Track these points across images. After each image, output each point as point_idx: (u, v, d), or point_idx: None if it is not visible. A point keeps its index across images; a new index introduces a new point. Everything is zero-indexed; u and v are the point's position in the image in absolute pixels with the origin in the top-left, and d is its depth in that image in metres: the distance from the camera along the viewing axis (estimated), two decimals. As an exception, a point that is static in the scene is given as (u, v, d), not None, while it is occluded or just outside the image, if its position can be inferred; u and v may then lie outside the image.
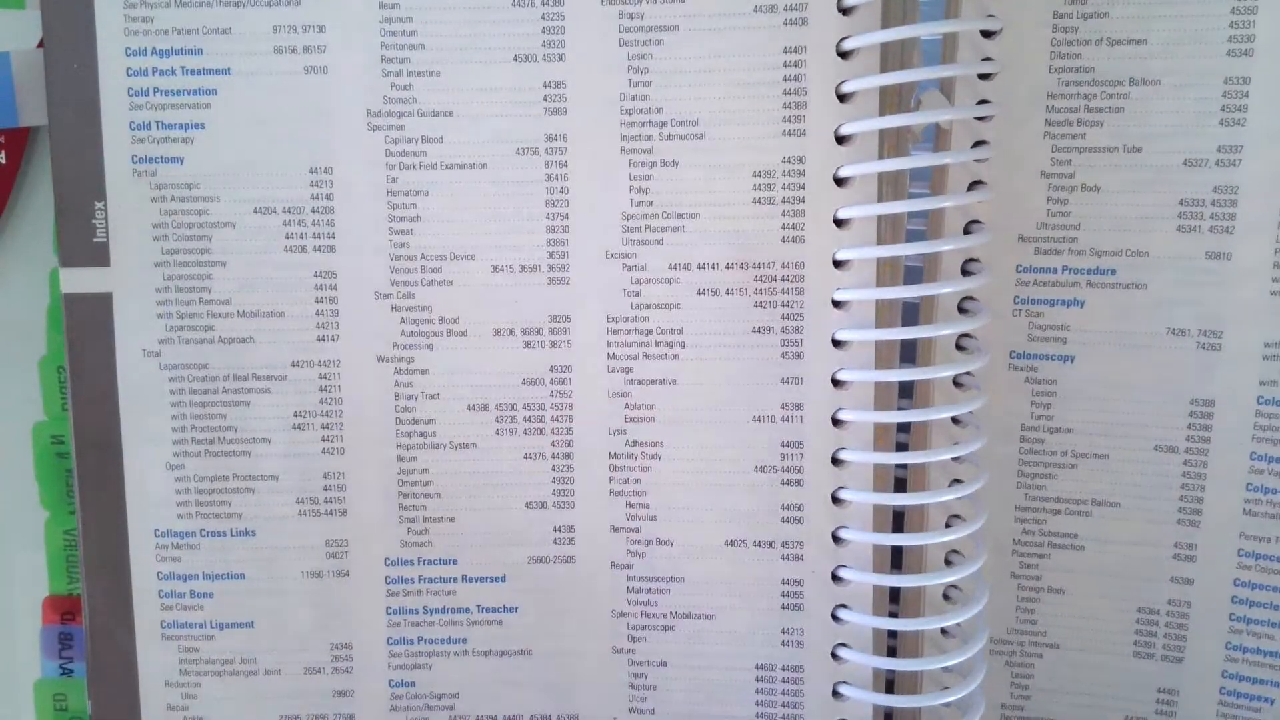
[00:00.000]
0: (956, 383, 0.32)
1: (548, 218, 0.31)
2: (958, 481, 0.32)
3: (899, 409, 0.31)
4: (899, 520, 0.32)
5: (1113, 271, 0.31)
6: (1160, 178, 0.31)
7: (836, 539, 0.31)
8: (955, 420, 0.32)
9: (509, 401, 0.32)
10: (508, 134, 0.31)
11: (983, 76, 0.31)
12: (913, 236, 0.31)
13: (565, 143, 0.31)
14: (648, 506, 0.32)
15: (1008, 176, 0.31)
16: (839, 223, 0.31)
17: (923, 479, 0.32)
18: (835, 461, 0.31)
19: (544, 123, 0.31)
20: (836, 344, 0.31)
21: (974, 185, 0.31)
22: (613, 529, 0.32)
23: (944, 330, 0.31)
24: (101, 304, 0.31)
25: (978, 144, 0.31)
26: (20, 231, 0.34)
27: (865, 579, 0.31)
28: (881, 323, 0.30)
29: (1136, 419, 0.32)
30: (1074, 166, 0.31)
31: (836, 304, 0.31)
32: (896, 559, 0.32)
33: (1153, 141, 0.31)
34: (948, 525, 0.32)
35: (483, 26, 0.31)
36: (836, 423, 0.31)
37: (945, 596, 0.32)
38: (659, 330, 0.31)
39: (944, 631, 0.32)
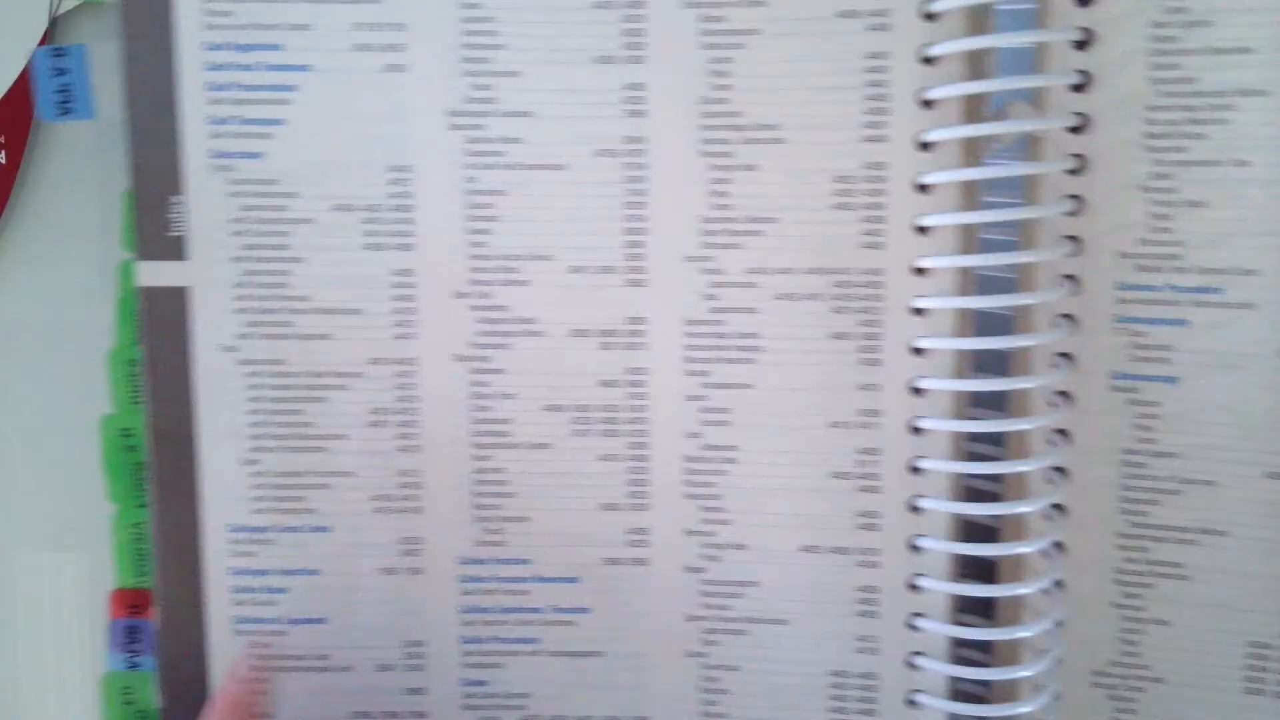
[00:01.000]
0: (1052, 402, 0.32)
1: (626, 220, 0.31)
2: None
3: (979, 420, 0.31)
4: (971, 529, 0.32)
5: (1219, 290, 0.30)
6: (1269, 192, 0.30)
7: (913, 547, 0.31)
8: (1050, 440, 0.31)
9: (585, 403, 0.32)
10: (587, 136, 0.31)
11: (1076, 88, 0.31)
12: (1005, 248, 0.31)
13: (644, 145, 0.31)
14: (722, 510, 0.32)
15: (1106, 191, 0.30)
16: (920, 230, 0.30)
17: (1016, 491, 0.31)
18: (914, 470, 0.31)
19: (623, 125, 0.31)
20: (916, 351, 0.31)
21: (1066, 198, 0.31)
22: (687, 532, 0.32)
23: (1025, 341, 0.30)
24: (178, 298, 0.31)
25: (1073, 155, 0.31)
26: (20, 231, 0.34)
27: (942, 587, 0.31)
28: (959, 331, 0.30)
29: (1244, 444, 0.31)
30: (1176, 181, 0.30)
31: (916, 311, 0.31)
32: (972, 568, 0.32)
33: (1260, 154, 0.30)
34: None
35: (564, 28, 0.30)
36: (915, 430, 0.31)
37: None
38: (736, 334, 0.31)
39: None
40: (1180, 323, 0.31)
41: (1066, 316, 0.31)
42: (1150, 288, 0.31)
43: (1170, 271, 0.31)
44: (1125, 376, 0.31)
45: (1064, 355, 0.31)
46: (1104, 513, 0.32)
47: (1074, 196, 0.31)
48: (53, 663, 0.36)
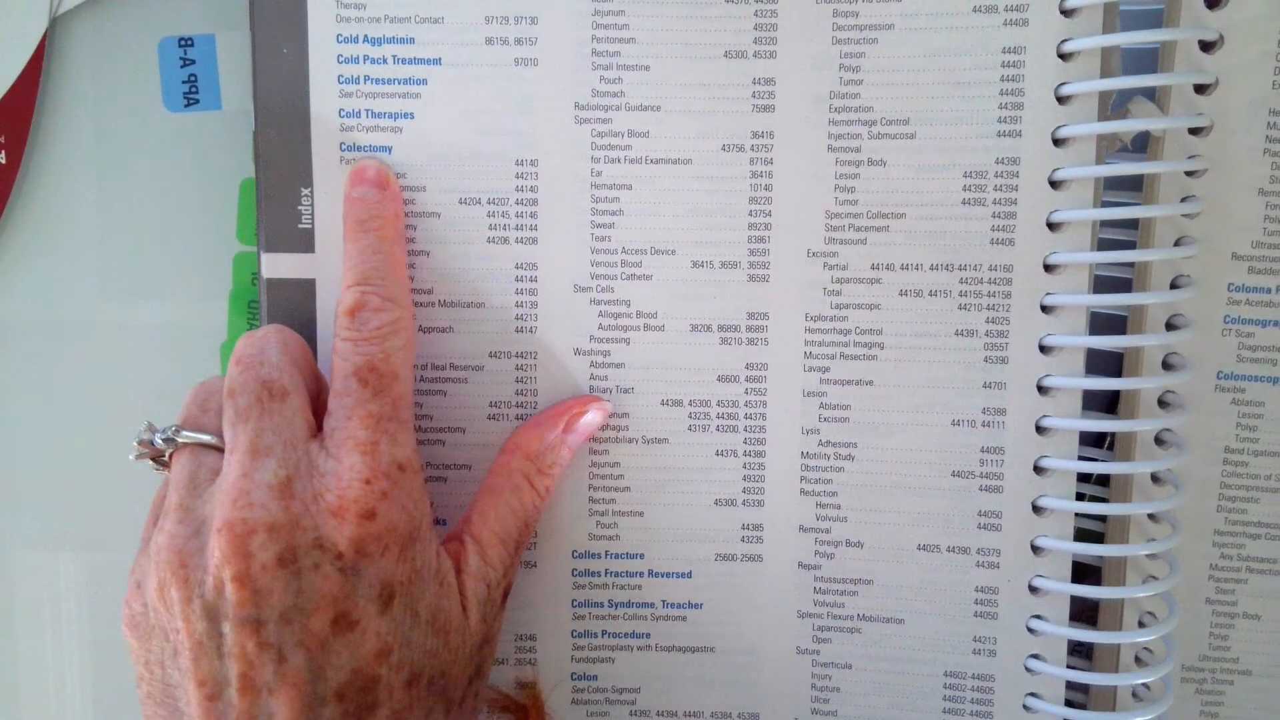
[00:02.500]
0: (1162, 402, 0.31)
1: (750, 215, 0.31)
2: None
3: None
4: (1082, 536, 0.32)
5: None
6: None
7: (1035, 548, 0.31)
8: (1158, 440, 0.31)
9: (703, 398, 0.32)
10: (714, 130, 0.31)
11: (1199, 90, 0.30)
12: (1113, 246, 0.31)
13: (771, 140, 0.31)
14: (838, 507, 0.32)
15: (1223, 193, 0.31)
16: (1051, 226, 0.30)
17: (1124, 495, 0.31)
18: (1037, 470, 0.31)
19: (751, 119, 0.31)
20: (1043, 350, 0.30)
21: (1185, 199, 0.31)
22: (802, 529, 0.32)
23: (1154, 340, 0.30)
24: (305, 289, 0.32)
25: (1191, 157, 0.30)
26: (20, 231, 0.34)
27: (1064, 589, 0.31)
28: (1089, 329, 0.30)
29: None
30: None
31: (1045, 309, 0.30)
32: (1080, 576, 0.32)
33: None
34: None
35: (694, 22, 0.30)
36: (1040, 430, 0.31)
37: (1140, 623, 0.32)
38: (858, 330, 0.31)
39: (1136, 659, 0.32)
40: None
41: (1177, 315, 0.31)
42: (1262, 289, 0.31)
43: None
44: (1231, 376, 0.31)
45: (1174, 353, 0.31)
46: (1202, 510, 0.32)
47: (1188, 197, 0.30)
48: (52, 663, 0.36)
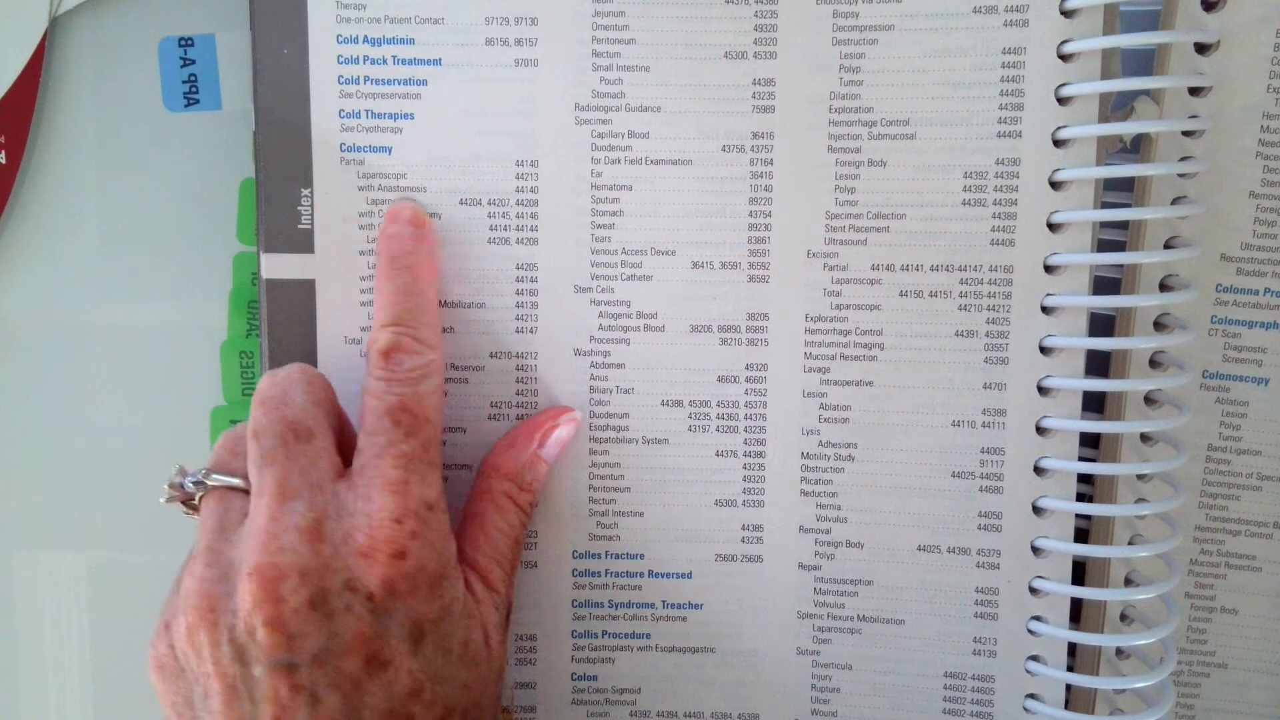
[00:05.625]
0: (1149, 399, 0.31)
1: (750, 215, 0.31)
2: (1142, 500, 0.31)
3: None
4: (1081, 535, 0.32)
5: None
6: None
7: (1035, 549, 0.31)
8: (1144, 438, 0.31)
9: (703, 398, 0.32)
10: (714, 131, 0.31)
11: (1193, 92, 0.30)
12: (1108, 246, 0.31)
13: (771, 140, 0.31)
14: (839, 508, 0.32)
15: (1214, 194, 0.31)
16: (1051, 227, 0.30)
17: (1111, 493, 0.31)
18: (1037, 470, 0.31)
19: (751, 120, 0.31)
20: (1044, 350, 0.30)
21: (1176, 200, 0.31)
22: (802, 529, 0.32)
23: (1148, 343, 0.30)
24: (304, 290, 0.32)
25: (1183, 159, 0.30)
26: (20, 231, 0.34)
27: (1064, 591, 0.31)
28: (1090, 330, 0.30)
29: None
30: None
31: (1045, 310, 0.30)
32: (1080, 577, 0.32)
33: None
34: (1129, 543, 0.31)
35: (695, 23, 0.30)
36: (1040, 431, 0.31)
37: (1123, 617, 0.32)
38: (858, 331, 0.31)
39: (1120, 653, 0.32)
40: (1277, 326, 0.31)
41: (1167, 314, 0.31)
42: (1250, 291, 0.31)
43: (1271, 276, 0.31)
44: (1216, 376, 0.32)
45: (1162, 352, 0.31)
46: (1185, 508, 0.32)
47: (1180, 198, 0.31)
48: (52, 663, 0.36)
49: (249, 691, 0.25)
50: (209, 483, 0.28)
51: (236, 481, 0.28)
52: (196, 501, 0.28)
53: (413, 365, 0.28)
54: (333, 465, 0.27)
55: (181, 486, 0.28)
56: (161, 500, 0.28)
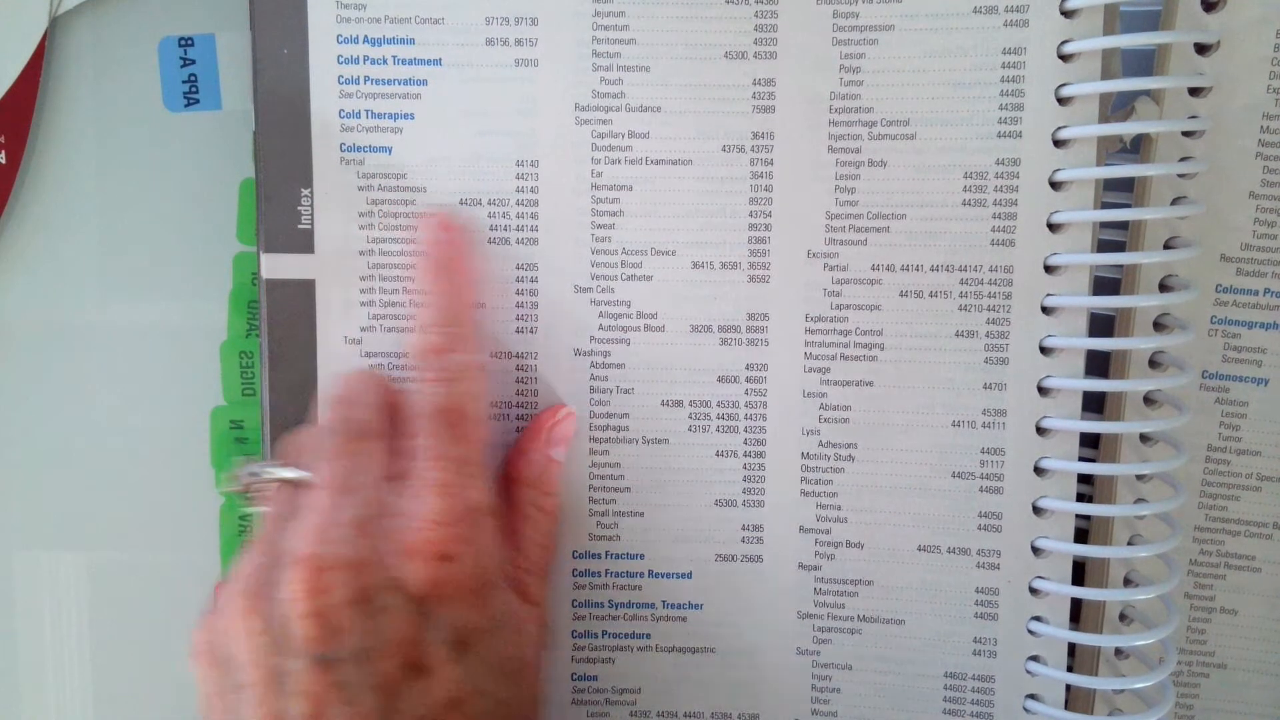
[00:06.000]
0: (1149, 400, 0.31)
1: (750, 215, 0.31)
2: (1141, 500, 0.31)
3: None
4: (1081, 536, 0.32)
5: None
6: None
7: (1035, 550, 0.31)
8: (1144, 438, 0.31)
9: (703, 398, 0.32)
10: (714, 131, 0.31)
11: (1193, 92, 0.30)
12: (1108, 246, 0.31)
13: (771, 140, 0.31)
14: (839, 508, 0.32)
15: (1214, 195, 0.31)
16: (1052, 227, 0.30)
17: (1110, 493, 0.31)
18: (1038, 471, 0.31)
19: (751, 120, 0.31)
20: (1044, 350, 0.30)
21: (1176, 200, 0.31)
22: (802, 529, 0.32)
23: (1147, 343, 0.30)
24: (304, 290, 0.31)
25: (1183, 159, 0.30)
26: (20, 231, 0.34)
27: (1064, 591, 0.31)
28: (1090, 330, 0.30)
29: None
30: None
31: (1045, 310, 0.30)
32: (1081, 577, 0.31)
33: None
34: (1130, 544, 0.31)
35: (695, 23, 0.30)
36: (1040, 431, 0.31)
37: (1122, 617, 0.32)
38: (858, 331, 0.31)
39: (1119, 653, 0.32)
40: (1276, 327, 0.31)
41: (1166, 314, 0.31)
42: (1249, 291, 0.31)
43: (1271, 277, 0.31)
44: (1216, 376, 0.32)
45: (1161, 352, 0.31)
46: (1184, 508, 0.32)
47: (1180, 198, 0.31)
48: (52, 663, 0.36)
49: (286, 684, 0.25)
50: (274, 475, 0.28)
51: (300, 475, 0.28)
52: (258, 493, 0.29)
53: (457, 367, 0.29)
54: (392, 466, 0.28)
55: (246, 477, 0.29)
56: (225, 490, 0.29)
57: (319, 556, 0.25)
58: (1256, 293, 0.31)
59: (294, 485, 0.28)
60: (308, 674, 0.25)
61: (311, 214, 0.31)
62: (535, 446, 0.31)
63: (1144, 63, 0.31)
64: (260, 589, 0.26)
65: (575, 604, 0.33)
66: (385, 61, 0.31)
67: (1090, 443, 0.31)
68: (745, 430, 0.32)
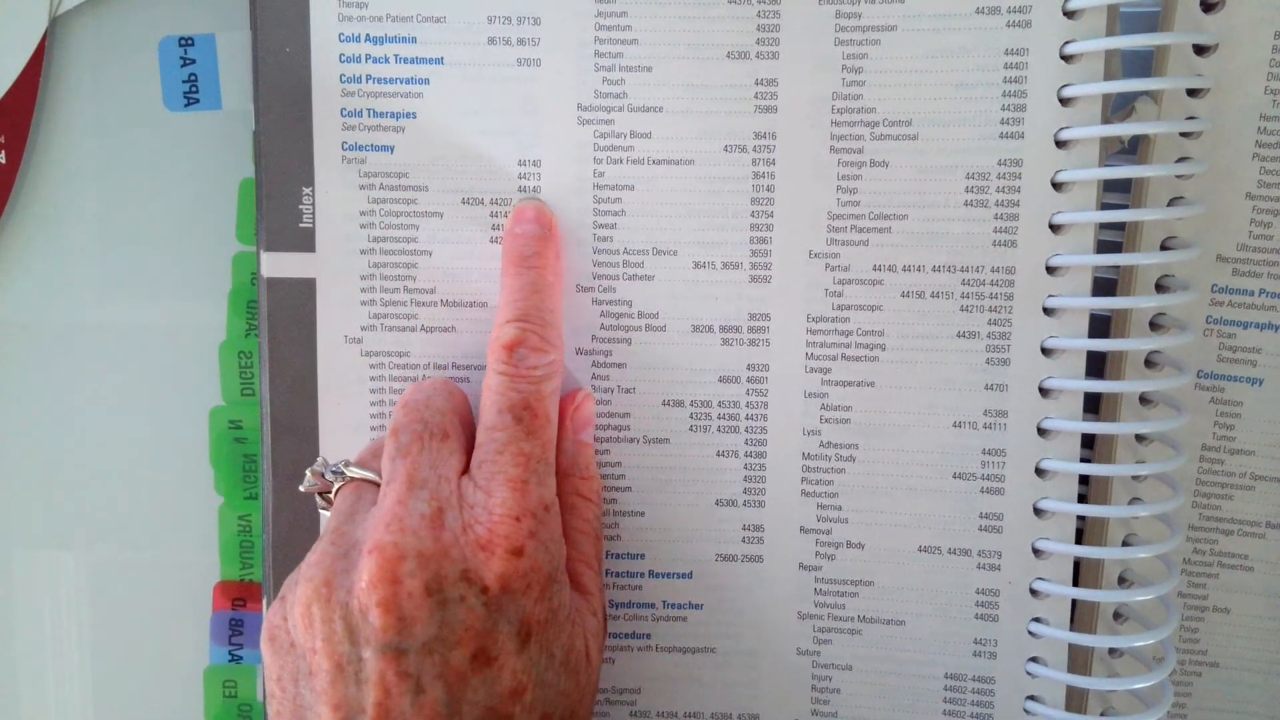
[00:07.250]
0: (1144, 399, 0.31)
1: (752, 215, 0.31)
2: (1137, 500, 0.31)
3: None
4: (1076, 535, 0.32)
5: None
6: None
7: (1036, 551, 0.31)
8: (1140, 438, 0.31)
9: (704, 398, 0.32)
10: (716, 131, 0.31)
11: (1192, 93, 0.30)
12: (1106, 246, 0.31)
13: (774, 141, 0.31)
14: (839, 509, 0.32)
15: (1211, 195, 0.31)
16: (1053, 228, 0.30)
17: (1106, 493, 0.31)
18: (1039, 472, 0.31)
19: (753, 120, 0.31)
20: (1045, 352, 0.30)
21: (1173, 201, 0.31)
22: (802, 530, 0.32)
23: (1144, 344, 0.30)
24: (305, 289, 0.31)
25: (1181, 160, 0.30)
26: (20, 232, 0.34)
27: (1064, 592, 0.31)
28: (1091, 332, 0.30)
29: None
30: None
31: (1047, 311, 0.30)
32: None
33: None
34: (1125, 543, 0.31)
35: (697, 23, 0.30)
36: (1041, 432, 0.31)
37: (1116, 616, 0.32)
38: (859, 332, 0.31)
39: (1113, 652, 0.32)
40: (1272, 327, 0.31)
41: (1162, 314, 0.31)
42: (1245, 291, 0.31)
43: (1266, 277, 0.31)
44: (1211, 376, 0.32)
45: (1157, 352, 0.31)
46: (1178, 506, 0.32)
47: (1177, 199, 0.31)
48: (52, 663, 0.36)
49: (356, 673, 0.25)
50: (348, 474, 0.29)
51: (373, 476, 0.29)
52: (333, 494, 0.29)
53: (536, 363, 0.29)
54: (461, 465, 0.28)
55: (322, 475, 0.29)
56: (301, 488, 0.29)
57: (393, 545, 0.26)
58: (1252, 293, 0.31)
59: (368, 484, 0.29)
60: (378, 662, 0.25)
61: (313, 213, 0.31)
62: (562, 434, 0.30)
63: (1143, 64, 0.31)
64: (332, 578, 0.26)
65: (576, 604, 0.32)
66: (387, 60, 0.31)
67: (1086, 443, 0.31)
68: (746, 430, 0.32)
